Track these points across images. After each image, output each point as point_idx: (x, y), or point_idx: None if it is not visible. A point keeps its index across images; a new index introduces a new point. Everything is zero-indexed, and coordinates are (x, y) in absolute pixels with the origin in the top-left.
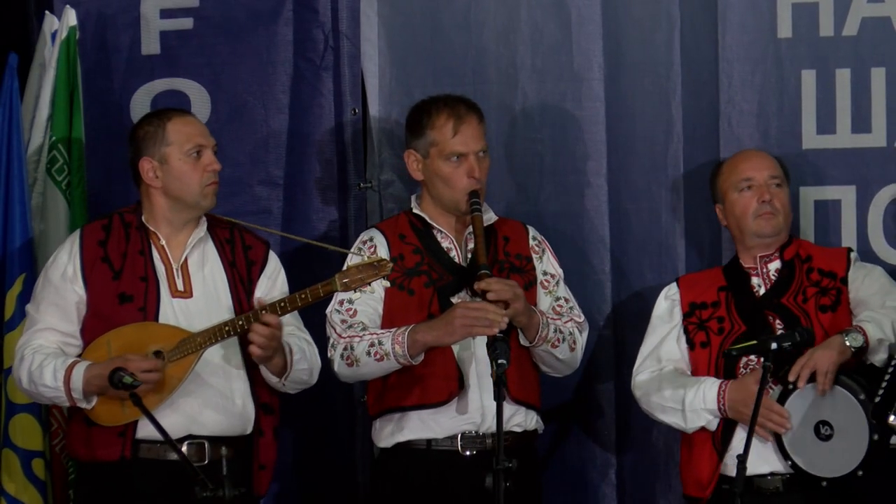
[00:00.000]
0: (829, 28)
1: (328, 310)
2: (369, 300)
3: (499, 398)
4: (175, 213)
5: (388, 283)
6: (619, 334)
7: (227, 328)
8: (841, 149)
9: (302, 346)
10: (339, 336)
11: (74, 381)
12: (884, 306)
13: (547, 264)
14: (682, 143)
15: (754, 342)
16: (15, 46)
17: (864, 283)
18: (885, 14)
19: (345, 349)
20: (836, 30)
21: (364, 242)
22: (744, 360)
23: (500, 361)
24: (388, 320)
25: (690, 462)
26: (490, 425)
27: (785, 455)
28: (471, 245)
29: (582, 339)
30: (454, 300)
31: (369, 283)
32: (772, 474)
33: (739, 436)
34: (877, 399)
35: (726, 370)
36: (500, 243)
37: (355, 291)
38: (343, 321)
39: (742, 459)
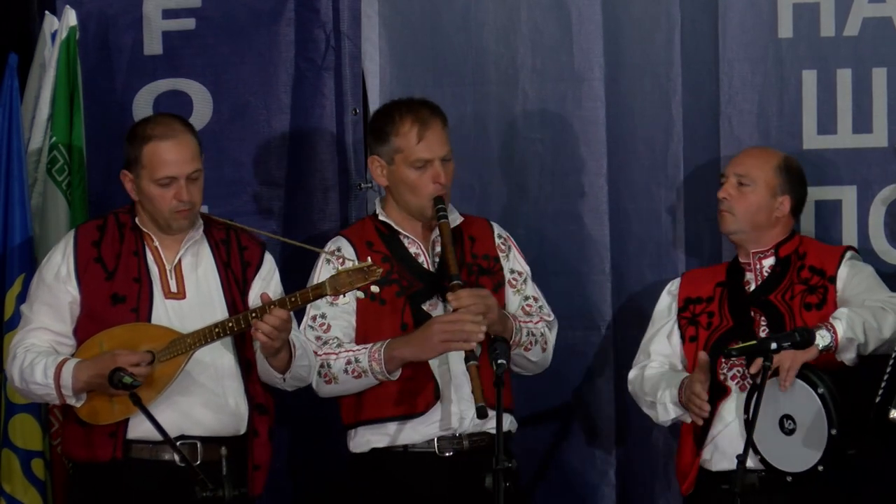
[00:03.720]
0: (829, 28)
1: (301, 326)
2: (342, 313)
3: (498, 398)
4: (158, 224)
5: (377, 289)
6: (618, 334)
7: (217, 329)
8: (842, 149)
9: (302, 343)
10: (315, 353)
11: (64, 378)
12: (863, 305)
13: (514, 262)
14: (683, 143)
15: (754, 342)
16: (15, 46)
17: (851, 281)
18: (887, 14)
19: (321, 367)
20: (837, 30)
21: (332, 253)
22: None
23: (499, 361)
24: (362, 332)
25: (679, 455)
26: (467, 428)
27: (755, 450)
28: (438, 249)
29: (552, 338)
30: (425, 307)
31: (358, 288)
32: (749, 470)
33: (716, 429)
34: (877, 399)
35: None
36: (467, 244)
37: (344, 296)
38: (318, 338)
39: (741, 459)
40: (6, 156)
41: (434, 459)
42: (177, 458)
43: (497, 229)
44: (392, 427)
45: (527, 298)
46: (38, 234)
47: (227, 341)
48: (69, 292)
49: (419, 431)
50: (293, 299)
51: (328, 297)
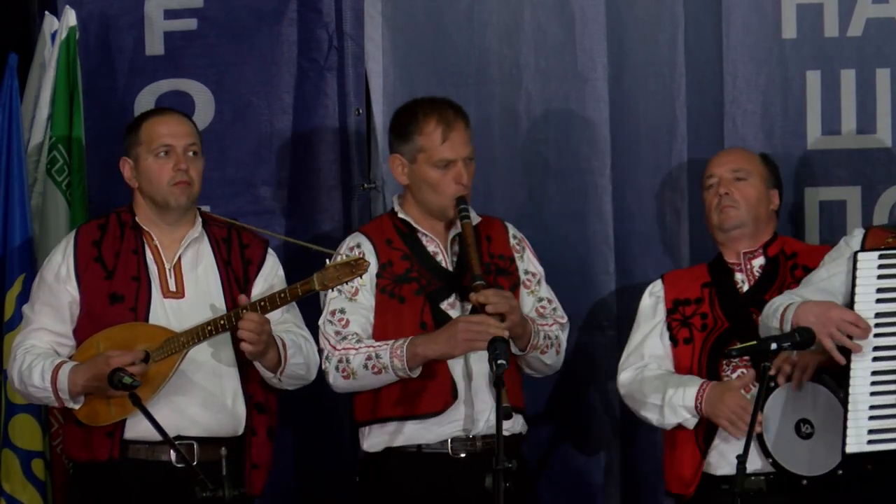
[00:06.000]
0: (833, 29)
1: (320, 321)
2: (360, 308)
3: (499, 398)
4: (158, 214)
5: (364, 283)
6: (622, 334)
7: (209, 327)
8: (846, 149)
9: (298, 341)
10: (334, 348)
11: (61, 382)
12: None
13: (528, 263)
14: (687, 143)
15: (754, 342)
16: (15, 46)
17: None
18: (890, 15)
19: (340, 361)
20: (841, 30)
21: (351, 249)
22: None
23: (499, 362)
24: (381, 329)
25: (673, 460)
26: (481, 429)
27: (766, 453)
28: (457, 248)
29: (565, 340)
30: (443, 306)
31: (346, 282)
32: (755, 474)
33: (722, 434)
34: None
35: (709, 367)
36: (485, 245)
37: (333, 290)
38: (337, 332)
39: (742, 460)
40: (6, 156)
41: (447, 461)
42: (174, 458)
43: (511, 230)
44: (408, 426)
45: (541, 300)
46: (38, 235)
47: (224, 340)
48: (69, 292)
49: (434, 431)
50: (282, 295)
51: (317, 289)
